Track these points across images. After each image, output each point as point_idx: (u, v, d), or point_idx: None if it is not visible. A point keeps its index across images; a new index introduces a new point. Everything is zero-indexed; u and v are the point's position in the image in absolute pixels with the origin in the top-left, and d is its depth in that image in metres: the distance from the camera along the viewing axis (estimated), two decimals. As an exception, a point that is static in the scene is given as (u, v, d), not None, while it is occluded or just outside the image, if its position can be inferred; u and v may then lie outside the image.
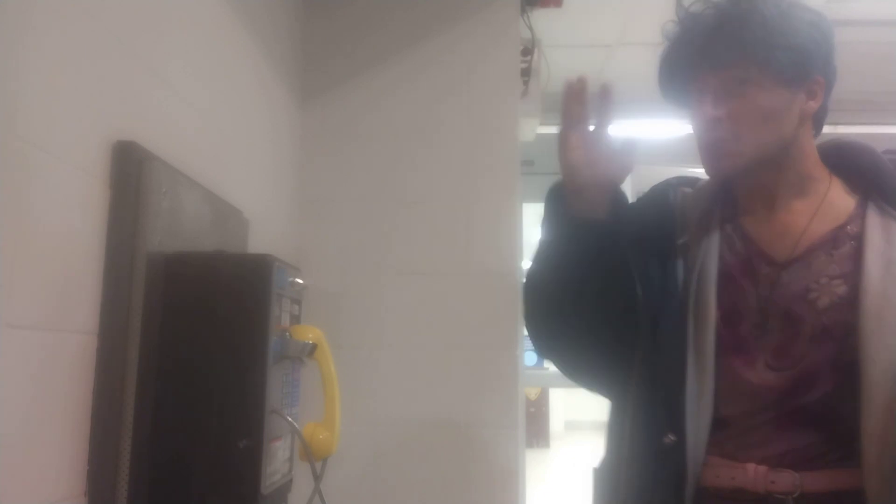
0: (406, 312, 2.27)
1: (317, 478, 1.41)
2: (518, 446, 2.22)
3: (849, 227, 1.13)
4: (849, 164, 1.21)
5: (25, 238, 0.99)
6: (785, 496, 1.04)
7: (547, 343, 1.26)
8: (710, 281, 1.13)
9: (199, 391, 1.23)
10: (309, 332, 1.42)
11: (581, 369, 1.28)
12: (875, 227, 1.11)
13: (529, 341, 1.30)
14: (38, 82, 1.01)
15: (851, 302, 1.06)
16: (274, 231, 2.06)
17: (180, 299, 1.26)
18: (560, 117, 1.16)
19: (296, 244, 2.27)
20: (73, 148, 1.10)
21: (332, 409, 1.45)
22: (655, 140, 3.59)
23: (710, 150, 1.17)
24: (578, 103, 1.14)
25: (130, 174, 1.20)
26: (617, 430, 1.20)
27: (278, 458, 1.32)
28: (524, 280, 1.28)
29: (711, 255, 1.16)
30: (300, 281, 1.42)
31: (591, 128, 1.16)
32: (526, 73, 2.54)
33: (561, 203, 1.19)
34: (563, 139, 1.16)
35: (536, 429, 11.05)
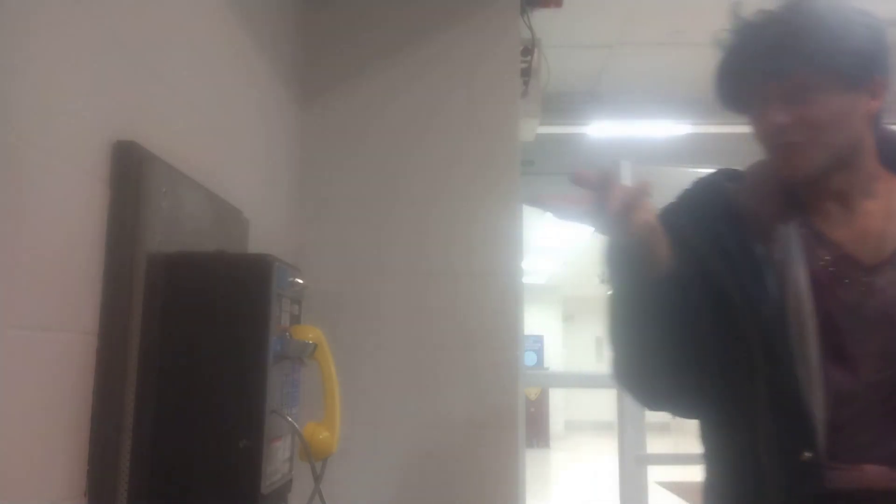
0: (406, 312, 2.27)
1: (317, 478, 1.41)
2: (518, 446, 2.22)
3: None
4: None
5: (25, 238, 0.99)
6: None
7: (660, 401, 1.24)
8: (802, 288, 1.13)
9: (199, 391, 1.23)
10: (309, 332, 1.42)
11: (698, 408, 1.26)
12: None
13: (638, 399, 1.28)
14: (38, 82, 1.01)
15: None
16: (274, 231, 2.07)
17: (180, 299, 1.26)
18: (604, 200, 1.12)
19: (296, 244, 2.27)
20: (73, 148, 1.10)
21: (332, 409, 1.45)
22: (655, 140, 3.60)
23: (784, 155, 1.17)
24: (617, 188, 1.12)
25: (130, 174, 1.20)
26: (738, 450, 1.17)
27: (278, 458, 1.32)
28: (615, 357, 1.24)
29: (796, 260, 1.15)
30: (300, 281, 1.42)
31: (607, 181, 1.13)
32: (526, 73, 2.54)
33: (630, 265, 1.14)
34: (618, 211, 1.10)
35: (536, 429, 11.06)
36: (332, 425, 1.44)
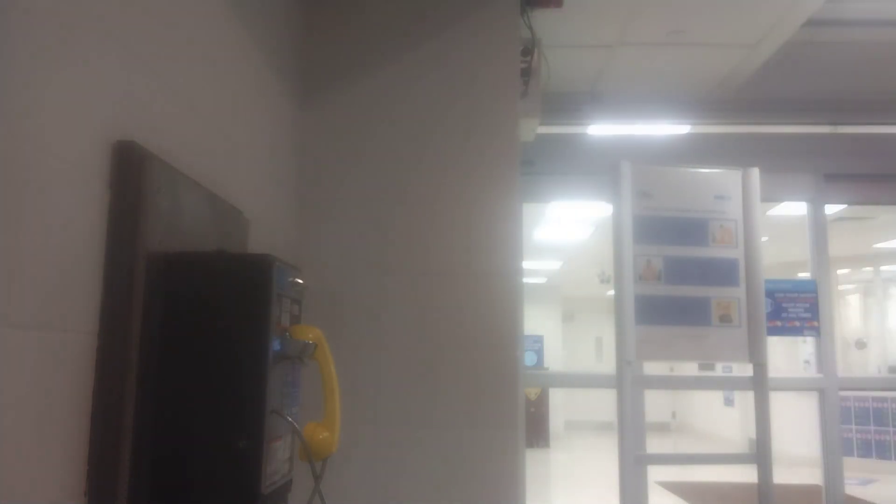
0: (406, 312, 2.27)
1: (317, 478, 1.41)
2: (518, 446, 2.22)
3: None
4: None
5: (26, 238, 0.99)
6: None
7: None
8: None
9: (199, 391, 1.23)
10: (309, 332, 1.42)
11: None
12: None
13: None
14: (38, 82, 1.01)
15: None
16: (274, 231, 2.07)
17: (180, 299, 1.26)
18: None
19: (296, 244, 2.27)
20: (73, 148, 1.10)
21: (332, 409, 1.45)
22: (655, 140, 3.59)
23: None
24: None
25: (130, 174, 1.20)
26: None
27: (278, 458, 1.32)
28: None
29: None
30: (300, 281, 1.42)
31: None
32: (526, 73, 2.54)
33: None
34: None
35: (536, 429, 11.05)
36: (332, 425, 1.44)
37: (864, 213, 7.20)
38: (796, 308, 3.29)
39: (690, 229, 2.77)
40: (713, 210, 2.80)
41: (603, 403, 11.52)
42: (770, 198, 3.25)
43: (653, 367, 7.98)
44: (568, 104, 3.42)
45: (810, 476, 4.79)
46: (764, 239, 2.89)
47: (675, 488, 7.48)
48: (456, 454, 2.19)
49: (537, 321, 11.31)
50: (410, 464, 2.20)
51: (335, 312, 2.23)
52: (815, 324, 3.29)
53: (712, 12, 2.75)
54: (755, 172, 2.83)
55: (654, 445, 3.51)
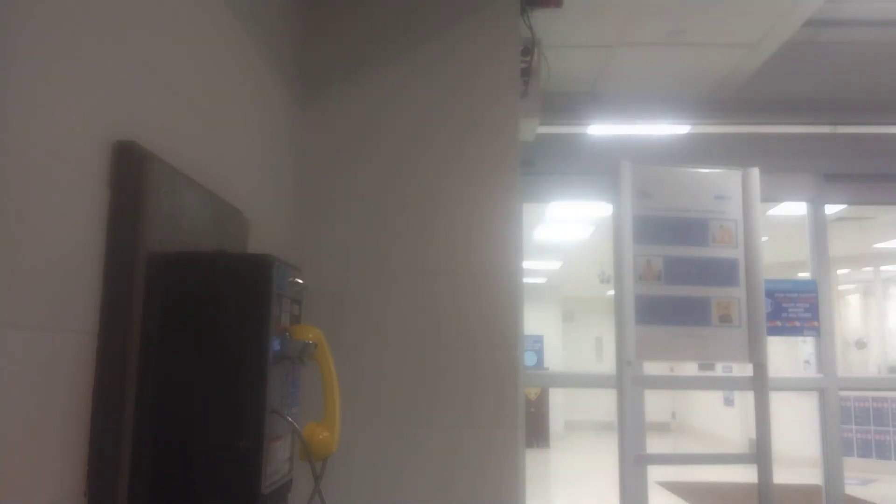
0: (406, 312, 2.27)
1: (317, 478, 1.41)
2: (518, 446, 2.22)
3: None
4: None
5: (25, 238, 0.99)
6: None
7: None
8: None
9: (199, 391, 1.23)
10: (309, 332, 1.42)
11: None
12: None
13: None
14: (38, 82, 1.01)
15: None
16: (274, 231, 2.07)
17: (180, 299, 1.26)
18: None
19: (296, 244, 2.27)
20: (73, 148, 1.10)
21: (332, 409, 1.45)
22: (655, 140, 3.59)
23: None
24: None
25: (130, 174, 1.20)
26: None
27: (278, 458, 1.32)
28: None
29: None
30: (300, 281, 1.42)
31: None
32: (526, 73, 2.54)
33: None
34: None
35: (536, 429, 11.05)
36: (332, 425, 1.44)
37: (864, 213, 7.20)
38: (796, 308, 3.29)
39: (690, 229, 2.77)
40: (713, 210, 2.80)
41: (603, 403, 11.52)
42: (770, 198, 3.25)
43: (653, 367, 7.98)
44: (568, 104, 3.42)
45: (810, 476, 4.79)
46: (764, 239, 2.89)
47: (675, 488, 7.48)
48: (456, 454, 2.19)
49: (537, 321, 11.30)
50: (410, 464, 2.20)
51: (335, 312, 2.23)
52: (815, 324, 3.29)
53: (712, 12, 2.75)
54: (755, 172, 2.83)
55: (654, 445, 3.51)
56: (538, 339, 11.01)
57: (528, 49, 2.56)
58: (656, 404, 12.24)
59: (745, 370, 2.88)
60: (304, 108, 2.36)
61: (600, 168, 3.18)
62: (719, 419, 11.74)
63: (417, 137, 2.36)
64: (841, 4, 2.92)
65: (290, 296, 1.37)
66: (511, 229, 2.31)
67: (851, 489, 4.71)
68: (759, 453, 2.69)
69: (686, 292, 2.73)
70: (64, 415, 1.08)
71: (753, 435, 2.80)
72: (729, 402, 11.45)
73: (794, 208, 5.09)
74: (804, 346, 8.31)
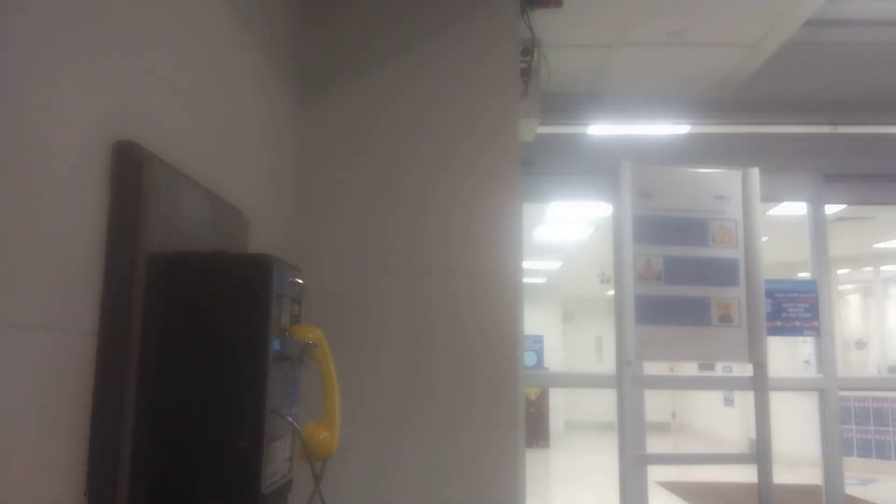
0: (406, 312, 2.27)
1: (317, 478, 1.41)
2: (518, 446, 2.22)
3: None
4: None
5: (26, 238, 0.99)
6: None
7: None
8: None
9: (199, 391, 1.23)
10: (309, 332, 1.42)
11: None
12: None
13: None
14: (38, 82, 1.01)
15: None
16: (274, 231, 2.07)
17: (180, 299, 1.26)
18: None
19: (296, 244, 2.27)
20: (73, 148, 1.10)
21: (332, 409, 1.45)
22: (655, 140, 3.59)
23: None
24: None
25: (130, 174, 1.20)
26: None
27: (278, 458, 1.32)
28: None
29: None
30: (300, 281, 1.42)
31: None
32: (526, 73, 2.54)
33: None
34: None
35: (536, 429, 11.05)
36: (332, 425, 1.44)
37: (864, 213, 7.20)
38: (796, 308, 3.29)
39: (690, 229, 2.77)
40: (713, 210, 2.80)
41: (603, 403, 11.51)
42: (770, 198, 3.25)
43: (653, 367, 7.98)
44: (568, 104, 3.42)
45: (810, 476, 4.79)
46: (764, 239, 2.89)
47: (675, 488, 7.48)
48: (456, 454, 2.19)
49: (537, 321, 11.30)
50: (410, 464, 2.19)
51: (335, 312, 2.23)
52: (815, 324, 3.29)
53: (712, 12, 2.75)
54: (755, 172, 2.83)
55: (654, 445, 3.51)
56: (538, 339, 11.01)
57: (528, 49, 2.56)
58: (656, 404, 12.24)
59: (745, 370, 2.88)
60: (304, 108, 2.36)
61: (600, 168, 3.18)
62: (719, 419, 11.74)
63: (417, 137, 2.36)
64: (841, 4, 2.92)
65: (290, 296, 1.37)
66: (511, 229, 2.31)
67: (851, 489, 4.70)
68: (759, 453, 2.69)
69: (686, 292, 2.73)
70: (64, 415, 1.08)
71: (753, 435, 2.80)
72: (729, 402, 11.45)
73: (794, 208, 5.09)
74: (804, 346, 8.31)
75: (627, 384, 2.63)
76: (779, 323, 3.27)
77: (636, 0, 2.68)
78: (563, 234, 8.36)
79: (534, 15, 2.55)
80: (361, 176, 2.35)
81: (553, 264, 11.02)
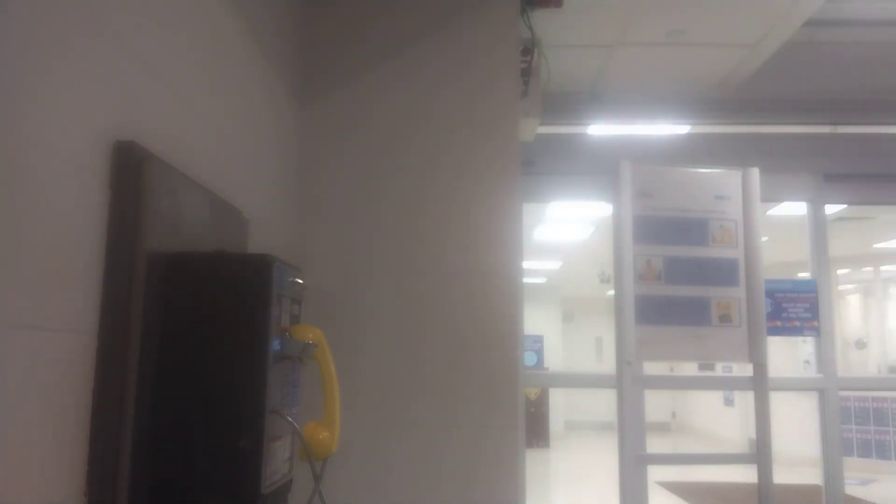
0: (406, 312, 2.27)
1: (317, 478, 1.41)
2: (518, 446, 2.22)
3: None
4: None
5: (26, 238, 0.99)
6: None
7: None
8: None
9: (199, 391, 1.23)
10: (309, 332, 1.42)
11: None
12: None
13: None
14: (39, 82, 1.01)
15: None
16: (274, 231, 2.06)
17: (180, 299, 1.26)
18: None
19: (296, 244, 2.27)
20: (73, 148, 1.10)
21: (332, 409, 1.45)
22: (655, 140, 3.59)
23: None
24: None
25: (130, 174, 1.20)
26: None
27: (278, 458, 1.32)
28: None
29: None
30: (300, 281, 1.42)
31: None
32: (526, 73, 2.54)
33: None
34: None
35: (536, 429, 11.05)
36: (332, 425, 1.44)
37: (864, 213, 7.20)
38: (796, 308, 3.29)
39: (690, 229, 2.77)
40: (713, 210, 2.80)
41: (603, 403, 11.51)
42: (770, 198, 3.25)
43: (653, 367, 7.98)
44: (568, 104, 3.42)
45: (810, 476, 4.78)
46: (764, 239, 2.89)
47: (675, 488, 7.48)
48: (456, 454, 2.19)
49: (537, 321, 11.30)
50: (411, 464, 2.19)
51: (335, 312, 2.23)
52: (815, 324, 3.29)
53: (712, 12, 2.75)
54: (755, 172, 2.83)
55: (654, 445, 3.51)
56: (538, 339, 11.01)
57: (528, 49, 2.56)
58: (656, 404, 12.24)
59: (745, 370, 2.88)
60: (304, 108, 2.36)
61: (600, 168, 3.17)
62: (719, 419, 11.74)
63: (417, 137, 2.36)
64: (841, 4, 2.92)
65: (290, 296, 1.37)
66: (511, 229, 2.31)
67: (851, 489, 4.70)
68: (759, 453, 2.69)
69: (686, 292, 2.73)
70: (64, 415, 1.08)
71: (753, 435, 2.80)
72: (729, 402, 11.45)
73: (794, 208, 5.09)
74: (804, 346, 8.31)
75: (627, 384, 2.63)
76: (779, 323, 3.27)
77: (636, 0, 2.68)
78: (563, 234, 8.36)
79: (534, 15, 2.55)
80: (361, 176, 2.35)
81: (553, 264, 11.02)
